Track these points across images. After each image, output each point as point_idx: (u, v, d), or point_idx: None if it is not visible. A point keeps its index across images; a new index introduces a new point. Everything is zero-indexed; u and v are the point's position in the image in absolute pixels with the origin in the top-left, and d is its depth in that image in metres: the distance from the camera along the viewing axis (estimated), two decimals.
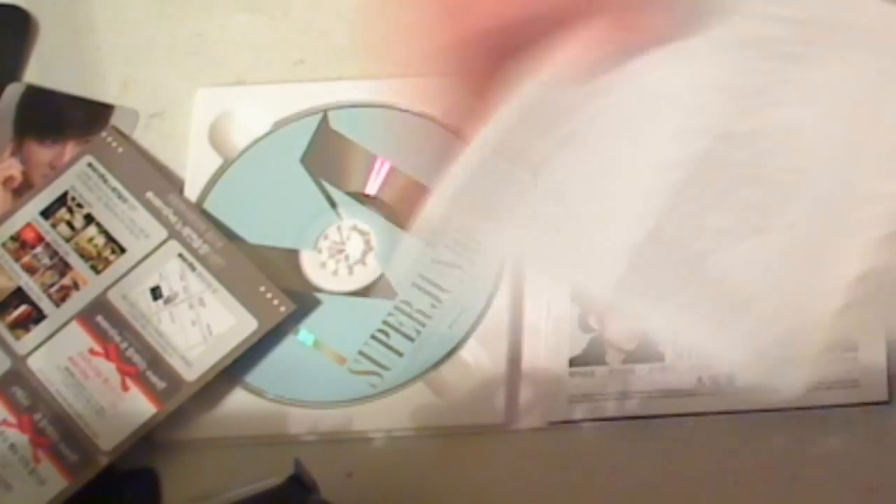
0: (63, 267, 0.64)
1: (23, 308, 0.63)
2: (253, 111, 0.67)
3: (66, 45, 0.71)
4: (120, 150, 0.67)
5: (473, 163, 0.43)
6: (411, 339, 0.62)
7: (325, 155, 0.66)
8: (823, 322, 0.41)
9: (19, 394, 0.61)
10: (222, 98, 0.68)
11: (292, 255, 0.64)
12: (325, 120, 0.67)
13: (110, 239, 0.64)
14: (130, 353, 0.62)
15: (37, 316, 0.63)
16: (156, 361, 0.61)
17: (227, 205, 0.65)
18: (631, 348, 0.60)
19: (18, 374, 0.62)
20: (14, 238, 0.65)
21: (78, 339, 0.62)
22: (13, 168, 0.68)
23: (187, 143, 0.67)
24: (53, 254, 0.64)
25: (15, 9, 0.72)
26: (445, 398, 0.61)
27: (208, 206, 0.65)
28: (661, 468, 0.59)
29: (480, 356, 0.61)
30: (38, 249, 0.65)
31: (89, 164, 0.66)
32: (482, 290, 0.62)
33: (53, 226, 0.65)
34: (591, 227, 0.43)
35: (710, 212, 0.43)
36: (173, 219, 0.64)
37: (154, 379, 0.61)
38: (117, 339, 0.62)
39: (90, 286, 0.63)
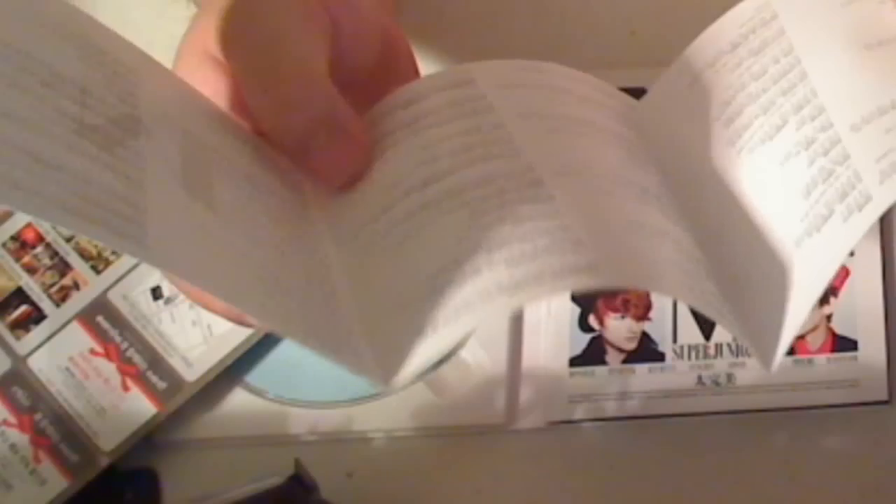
0: (63, 267, 0.64)
1: (23, 308, 0.63)
2: None
3: None
4: None
5: None
6: None
7: None
8: None
9: (20, 394, 0.61)
10: None
11: None
12: None
13: None
14: (131, 353, 0.62)
15: (37, 316, 0.63)
16: (156, 362, 0.61)
17: None
18: (631, 348, 0.60)
19: (19, 375, 0.62)
20: (14, 238, 0.65)
21: (78, 339, 0.62)
22: None
23: None
24: (54, 254, 0.64)
25: None
26: (445, 398, 0.61)
27: None
28: (661, 468, 0.59)
29: (480, 356, 0.61)
30: (39, 249, 0.65)
31: None
32: None
33: (54, 226, 0.65)
34: None
35: None
36: None
37: (154, 379, 0.61)
38: (118, 339, 0.62)
39: (91, 286, 0.63)
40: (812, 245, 0.45)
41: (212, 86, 0.46)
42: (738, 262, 0.47)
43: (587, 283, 0.40)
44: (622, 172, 0.46)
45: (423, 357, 0.40)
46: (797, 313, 0.45)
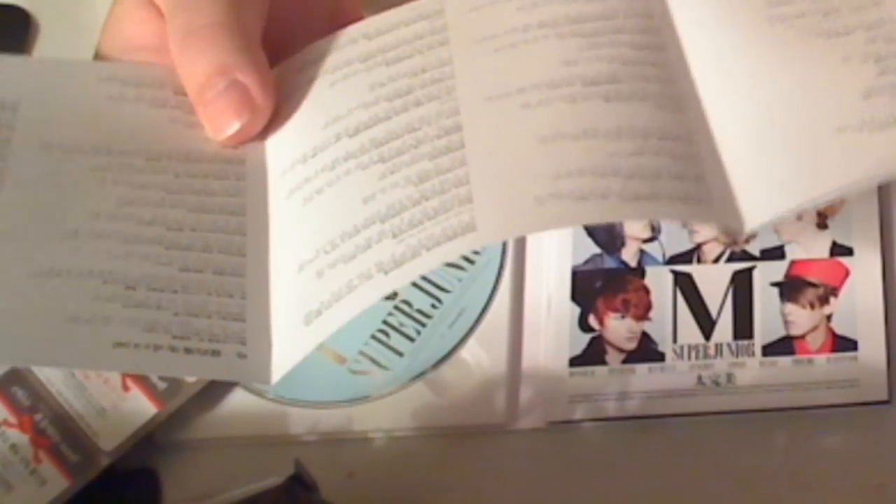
0: None
1: None
2: None
3: (66, 45, 0.71)
4: None
5: None
6: (411, 339, 0.62)
7: None
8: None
9: (20, 394, 0.61)
10: None
11: None
12: None
13: None
14: None
15: None
16: None
17: None
18: (631, 348, 0.60)
19: (19, 375, 0.62)
20: None
21: None
22: None
23: None
24: None
25: (15, 9, 0.72)
26: (445, 398, 0.61)
27: None
28: (661, 468, 0.59)
29: (480, 356, 0.61)
30: None
31: None
32: (482, 290, 0.62)
33: None
34: None
35: None
36: None
37: (155, 379, 0.61)
38: None
39: None
40: (860, 140, 0.45)
41: (147, 25, 0.48)
42: (745, 121, 0.47)
43: (458, 249, 0.43)
44: (566, 71, 0.47)
45: (304, 346, 0.42)
46: (812, 191, 0.45)
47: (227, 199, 0.46)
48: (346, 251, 0.43)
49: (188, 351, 0.43)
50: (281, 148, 0.48)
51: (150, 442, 0.61)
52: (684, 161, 0.46)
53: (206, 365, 0.43)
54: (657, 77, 0.48)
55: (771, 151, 0.46)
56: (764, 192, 0.46)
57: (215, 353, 0.43)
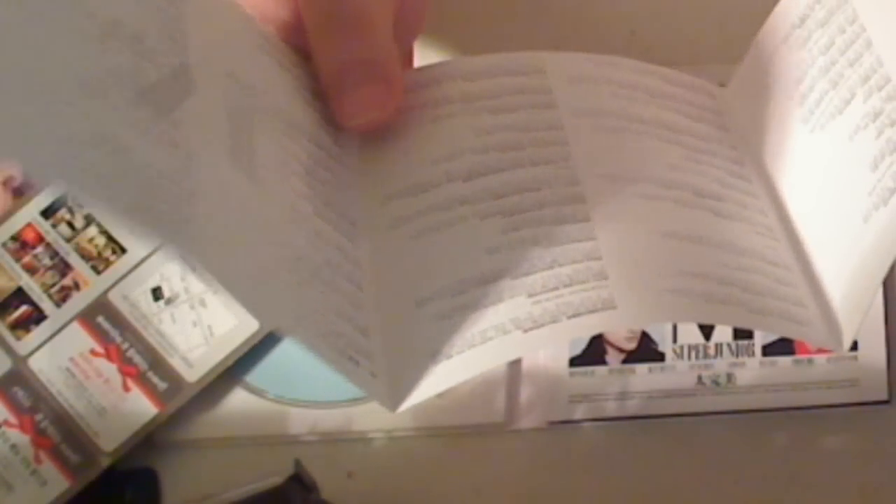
0: (64, 267, 0.64)
1: (23, 308, 0.63)
2: None
3: None
4: None
5: None
6: None
7: None
8: None
9: (20, 394, 0.61)
10: None
11: None
12: None
13: (111, 239, 0.64)
14: (131, 353, 0.62)
15: (37, 316, 0.63)
16: (157, 362, 0.61)
17: None
18: (631, 348, 0.60)
19: (19, 375, 0.62)
20: (14, 238, 0.65)
21: (79, 339, 0.62)
22: (13, 168, 0.68)
23: None
24: (54, 254, 0.64)
25: None
26: (445, 398, 0.61)
27: None
28: (661, 468, 0.59)
29: None
30: (39, 249, 0.65)
31: None
32: None
33: (54, 226, 0.65)
34: None
35: None
36: None
37: (155, 380, 0.61)
38: (118, 339, 0.62)
39: (91, 287, 0.63)
40: (879, 219, 0.45)
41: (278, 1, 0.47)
42: (811, 245, 0.48)
43: (601, 325, 0.43)
44: (675, 175, 0.47)
45: (433, 385, 0.41)
46: (866, 290, 0.45)
47: (345, 207, 0.45)
48: (475, 299, 0.42)
49: (340, 353, 0.41)
50: (382, 170, 0.46)
51: (150, 442, 0.61)
52: (784, 285, 0.46)
53: (351, 372, 0.41)
54: (751, 206, 0.48)
55: (838, 264, 0.47)
56: (850, 311, 0.46)
57: (355, 362, 0.41)
